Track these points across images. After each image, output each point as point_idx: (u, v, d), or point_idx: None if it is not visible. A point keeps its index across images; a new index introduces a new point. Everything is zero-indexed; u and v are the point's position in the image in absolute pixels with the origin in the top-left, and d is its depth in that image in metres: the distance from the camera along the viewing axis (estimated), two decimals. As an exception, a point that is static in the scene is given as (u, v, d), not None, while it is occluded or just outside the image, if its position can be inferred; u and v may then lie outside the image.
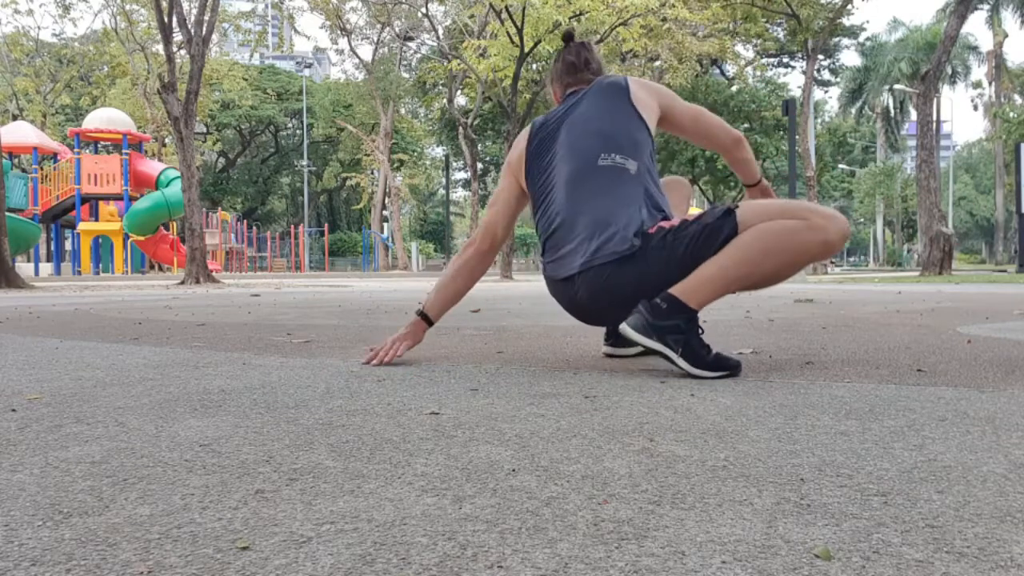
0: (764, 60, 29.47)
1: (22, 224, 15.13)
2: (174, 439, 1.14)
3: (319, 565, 0.66)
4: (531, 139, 2.03)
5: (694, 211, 2.00)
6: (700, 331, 1.75)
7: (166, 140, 28.16)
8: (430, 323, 2.10)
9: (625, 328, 1.76)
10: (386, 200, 33.31)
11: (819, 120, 42.38)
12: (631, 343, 1.93)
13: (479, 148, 30.34)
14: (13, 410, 1.39)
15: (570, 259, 1.87)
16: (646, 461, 1.00)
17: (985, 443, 1.09)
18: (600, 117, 1.93)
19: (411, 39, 30.28)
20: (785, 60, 31.34)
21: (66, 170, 21.65)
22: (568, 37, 2.18)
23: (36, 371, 1.91)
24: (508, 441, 1.12)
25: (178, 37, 12.69)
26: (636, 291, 1.78)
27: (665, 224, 1.81)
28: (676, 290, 1.74)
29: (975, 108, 47.28)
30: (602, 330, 2.26)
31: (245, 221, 33.10)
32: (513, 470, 0.96)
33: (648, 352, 1.78)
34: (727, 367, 1.73)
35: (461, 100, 29.83)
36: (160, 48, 15.82)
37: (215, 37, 26.51)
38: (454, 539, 0.72)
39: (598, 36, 18.52)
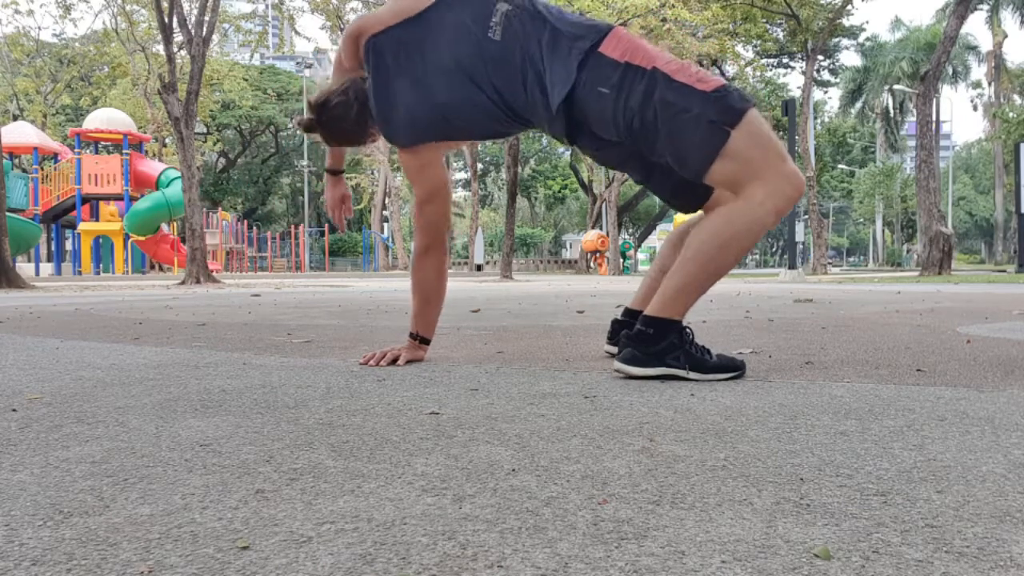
0: (764, 61, 29.46)
1: (23, 224, 15.13)
2: (174, 439, 1.14)
3: (319, 565, 0.66)
4: (435, 117, 1.88)
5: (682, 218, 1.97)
6: (691, 335, 1.75)
7: (166, 140, 28.17)
8: (427, 341, 2.09)
9: (622, 367, 1.72)
10: (386, 200, 33.34)
11: (819, 120, 42.43)
12: None
13: (479, 148, 30.35)
14: (14, 410, 1.39)
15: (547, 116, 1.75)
16: (646, 461, 1.00)
17: (984, 443, 1.09)
18: (453, 37, 1.78)
19: (411, 39, 30.19)
20: (785, 60, 31.34)
21: (66, 170, 21.66)
22: (311, 126, 1.97)
23: (37, 371, 1.91)
24: (508, 441, 1.12)
25: (178, 37, 12.69)
26: (621, 115, 1.67)
27: (640, 60, 1.66)
28: (654, 310, 1.71)
29: (975, 108, 47.27)
30: (603, 330, 2.26)
31: (245, 221, 33.09)
32: (513, 470, 0.96)
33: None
34: (734, 367, 1.73)
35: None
36: (160, 48, 15.82)
37: (215, 37, 26.52)
38: (454, 539, 0.72)
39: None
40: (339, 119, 1.93)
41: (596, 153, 1.88)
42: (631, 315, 2.12)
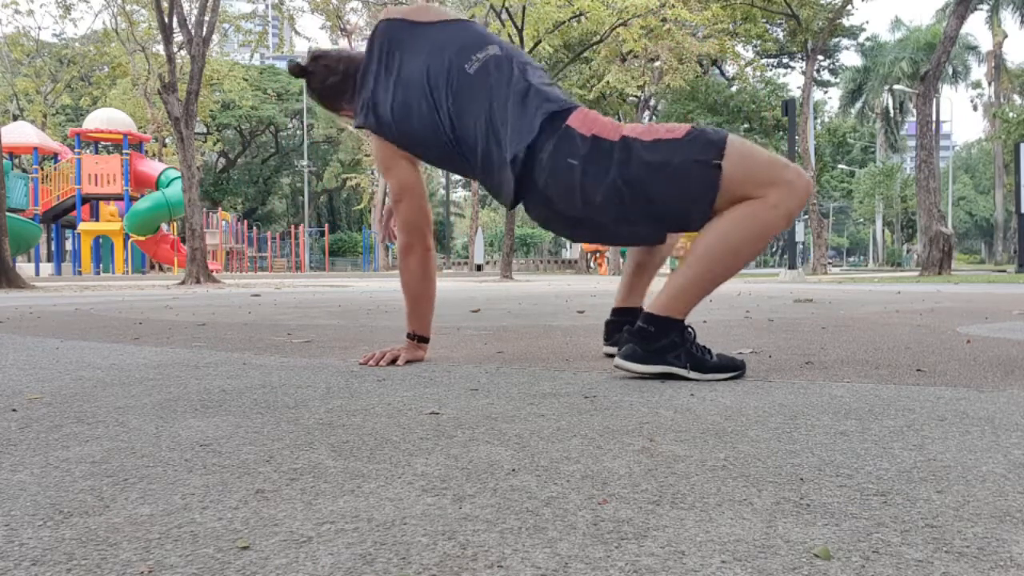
0: (764, 61, 29.46)
1: (23, 224, 15.13)
2: (174, 439, 1.14)
3: (319, 565, 0.66)
4: (395, 129, 1.90)
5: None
6: (692, 335, 1.75)
7: (166, 140, 28.19)
8: (426, 340, 2.09)
9: (622, 363, 1.72)
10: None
11: (819, 120, 42.41)
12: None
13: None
14: (14, 410, 1.39)
15: (504, 179, 1.76)
16: (646, 461, 1.00)
17: (984, 443, 1.09)
18: (435, 52, 1.83)
19: (411, 39, 30.22)
20: (785, 60, 31.34)
21: (66, 170, 21.66)
22: (297, 71, 2.07)
23: (37, 371, 1.91)
24: (508, 441, 1.12)
25: (179, 37, 12.70)
26: (589, 192, 1.66)
27: (619, 130, 1.67)
28: (656, 308, 1.70)
29: (974, 108, 47.28)
30: (602, 330, 2.26)
31: (245, 221, 33.11)
32: (513, 470, 0.96)
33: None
34: (734, 367, 1.72)
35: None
36: (160, 48, 15.83)
37: (215, 38, 26.55)
38: (454, 539, 0.72)
39: (598, 36, 18.54)
40: (320, 77, 2.07)
41: (546, 220, 1.84)
42: (619, 314, 2.13)
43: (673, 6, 16.77)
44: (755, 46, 27.53)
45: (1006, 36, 39.48)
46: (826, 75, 35.23)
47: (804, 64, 25.00)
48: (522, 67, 1.80)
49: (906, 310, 4.26)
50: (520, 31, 15.44)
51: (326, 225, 38.76)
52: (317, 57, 2.08)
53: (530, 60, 1.87)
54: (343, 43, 29.99)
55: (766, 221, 1.65)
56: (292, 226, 35.11)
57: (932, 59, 16.34)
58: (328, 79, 2.05)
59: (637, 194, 1.65)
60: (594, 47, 19.87)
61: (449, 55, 1.83)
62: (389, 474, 0.95)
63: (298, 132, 42.62)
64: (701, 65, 25.52)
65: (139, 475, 0.95)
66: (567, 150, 1.66)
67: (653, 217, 1.70)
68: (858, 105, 44.00)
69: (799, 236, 16.75)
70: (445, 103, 1.81)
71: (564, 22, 17.14)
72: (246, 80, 31.82)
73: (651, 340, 1.70)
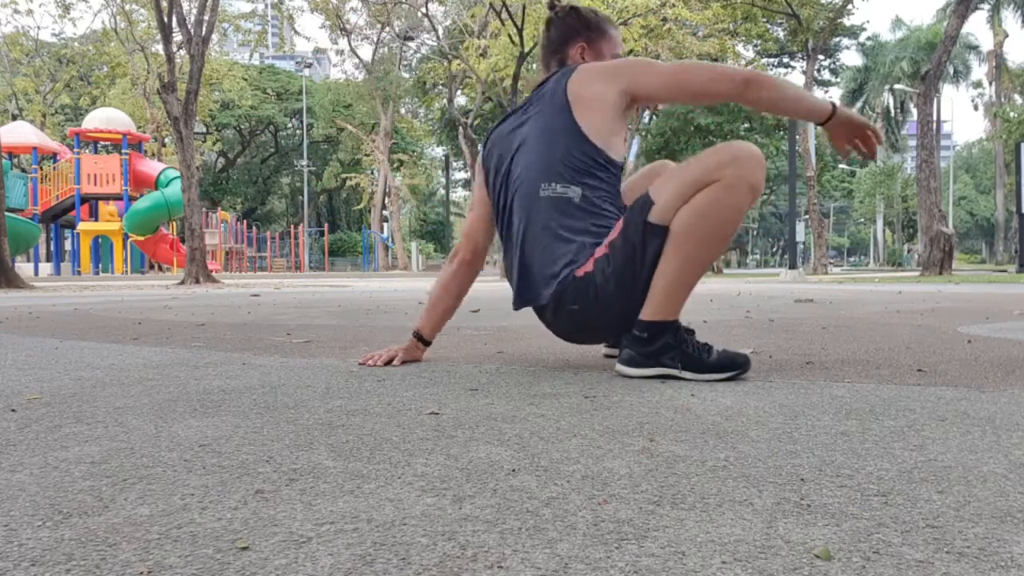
0: (764, 60, 29.44)
1: (22, 224, 15.13)
2: (174, 439, 1.14)
3: (319, 565, 0.66)
4: (486, 151, 1.99)
5: None
6: (691, 333, 1.75)
7: (166, 140, 28.18)
8: (427, 343, 2.10)
9: (621, 368, 1.76)
10: (386, 200, 33.34)
11: (819, 120, 42.28)
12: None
13: (479, 148, 30.35)
14: (13, 410, 1.39)
15: (530, 290, 1.85)
16: (646, 461, 1.00)
17: (985, 443, 1.09)
18: (539, 139, 1.83)
19: (411, 39, 30.33)
20: (785, 60, 31.33)
21: (66, 170, 21.66)
22: (551, 4, 2.04)
23: (36, 371, 1.91)
24: (508, 441, 1.12)
25: (178, 37, 12.70)
26: (600, 321, 1.80)
27: (589, 263, 1.75)
28: (647, 314, 1.71)
29: (975, 108, 47.27)
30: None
31: (245, 221, 33.11)
32: (513, 470, 0.96)
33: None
34: (733, 365, 1.70)
35: (461, 100, 29.91)
36: (160, 48, 15.82)
37: (215, 37, 26.53)
38: (454, 539, 0.72)
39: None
40: (551, 34, 2.02)
41: (553, 330, 1.94)
42: None
43: (674, 5, 16.77)
44: (756, 46, 27.52)
45: (1007, 36, 39.48)
46: (827, 75, 35.25)
47: (805, 64, 24.99)
48: (590, 217, 1.78)
49: (907, 310, 4.26)
50: (520, 31, 15.45)
51: (325, 225, 38.77)
52: (570, 15, 2.01)
53: (606, 209, 1.80)
54: (343, 43, 30.00)
55: (731, 203, 1.66)
56: (291, 226, 35.13)
57: (933, 59, 16.34)
58: (554, 38, 2.01)
59: (626, 286, 1.72)
60: (594, 47, 19.81)
61: (538, 164, 1.80)
62: (389, 474, 0.94)
63: (297, 132, 42.61)
64: (701, 65, 25.45)
65: (138, 475, 0.94)
66: (570, 298, 1.76)
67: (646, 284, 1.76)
68: (859, 105, 43.94)
69: (800, 236, 16.77)
70: (509, 190, 1.88)
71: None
72: (245, 80, 31.82)
73: (646, 344, 1.72)
